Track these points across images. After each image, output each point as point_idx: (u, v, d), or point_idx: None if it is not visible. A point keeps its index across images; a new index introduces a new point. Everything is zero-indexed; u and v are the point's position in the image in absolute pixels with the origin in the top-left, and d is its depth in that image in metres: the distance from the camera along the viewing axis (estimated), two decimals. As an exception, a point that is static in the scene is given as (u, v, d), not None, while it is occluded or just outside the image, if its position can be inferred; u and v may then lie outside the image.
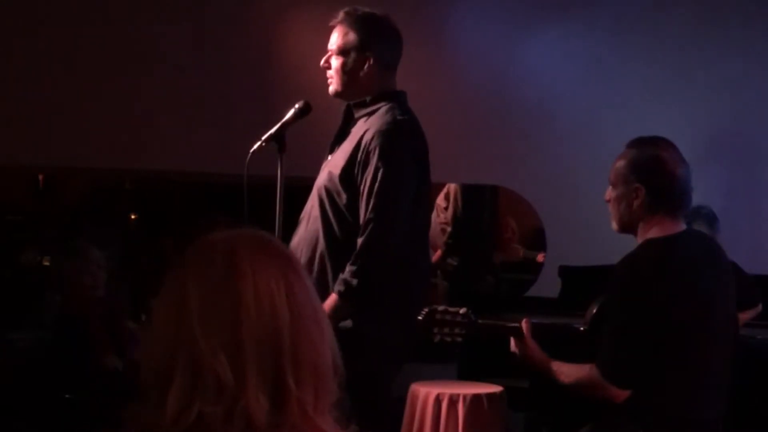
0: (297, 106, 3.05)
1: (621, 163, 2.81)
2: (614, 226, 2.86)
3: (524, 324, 2.87)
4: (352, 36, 3.07)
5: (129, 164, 5.41)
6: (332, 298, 2.92)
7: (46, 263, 6.13)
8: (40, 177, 6.83)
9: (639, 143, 2.83)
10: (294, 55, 5.06)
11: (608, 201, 2.85)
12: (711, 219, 4.42)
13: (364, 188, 2.93)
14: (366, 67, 3.06)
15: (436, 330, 2.84)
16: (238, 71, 5.26)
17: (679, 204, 2.78)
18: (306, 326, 1.31)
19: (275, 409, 1.27)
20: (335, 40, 3.11)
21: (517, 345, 2.88)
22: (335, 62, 3.10)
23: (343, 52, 3.08)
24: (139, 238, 6.95)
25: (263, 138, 3.00)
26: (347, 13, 3.10)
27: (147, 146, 5.22)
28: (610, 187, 2.84)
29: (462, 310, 2.85)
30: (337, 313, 2.90)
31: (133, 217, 7.10)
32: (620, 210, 2.80)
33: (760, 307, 4.26)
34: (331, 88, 3.13)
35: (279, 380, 1.28)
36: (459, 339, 2.85)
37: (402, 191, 2.94)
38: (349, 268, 2.91)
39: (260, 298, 1.29)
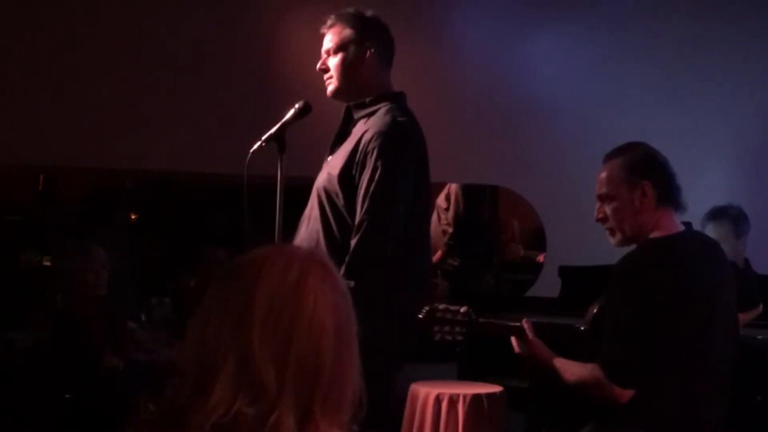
0: (297, 106, 3.04)
1: (614, 172, 2.80)
2: (617, 238, 2.82)
3: (525, 324, 2.87)
4: (348, 31, 3.07)
5: (129, 164, 5.40)
6: None
7: (46, 263, 6.13)
8: (40, 177, 6.83)
9: (621, 150, 2.84)
10: (294, 55, 5.06)
11: (601, 219, 2.83)
12: (736, 218, 4.35)
13: (361, 189, 2.90)
14: (367, 57, 3.06)
15: (436, 328, 2.84)
16: (238, 72, 5.26)
17: (678, 197, 2.79)
18: (343, 366, 1.37)
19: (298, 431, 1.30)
20: (330, 40, 3.10)
21: (519, 345, 2.88)
22: (334, 61, 3.08)
23: (341, 47, 3.07)
24: (139, 238, 6.95)
25: (263, 138, 2.99)
26: (338, 15, 3.11)
27: (147, 146, 5.22)
28: (600, 204, 2.82)
29: (463, 309, 2.85)
30: None
31: (133, 217, 7.10)
32: (626, 216, 2.78)
33: (760, 308, 4.25)
34: (330, 88, 3.11)
35: (308, 406, 1.32)
36: (459, 338, 2.84)
37: (398, 193, 2.91)
38: (341, 271, 2.88)
39: (313, 325, 1.34)
